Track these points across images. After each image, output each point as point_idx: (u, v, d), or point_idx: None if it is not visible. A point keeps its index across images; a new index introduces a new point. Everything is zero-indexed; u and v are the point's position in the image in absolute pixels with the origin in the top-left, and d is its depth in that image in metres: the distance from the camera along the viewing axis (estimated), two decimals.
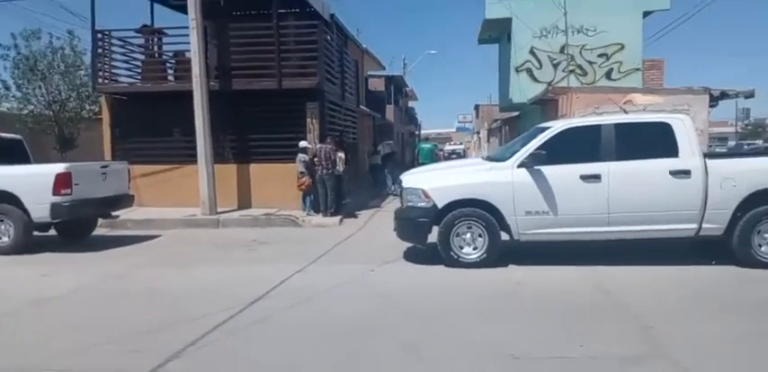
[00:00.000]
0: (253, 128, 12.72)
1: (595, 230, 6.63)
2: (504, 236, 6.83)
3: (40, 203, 8.14)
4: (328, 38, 13.78)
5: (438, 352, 4.04)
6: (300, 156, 11.53)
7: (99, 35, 13.09)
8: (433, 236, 6.99)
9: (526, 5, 18.18)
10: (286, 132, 12.42)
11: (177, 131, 13.13)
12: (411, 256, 7.45)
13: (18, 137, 10.11)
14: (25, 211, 8.22)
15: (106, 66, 13.39)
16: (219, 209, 11.49)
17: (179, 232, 10.32)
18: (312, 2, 13.97)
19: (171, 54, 14.36)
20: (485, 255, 6.74)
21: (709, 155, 6.78)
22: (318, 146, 11.65)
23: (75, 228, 9.34)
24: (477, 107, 52.25)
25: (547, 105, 15.43)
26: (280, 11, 12.68)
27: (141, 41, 14.16)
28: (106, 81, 13.36)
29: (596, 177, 6.53)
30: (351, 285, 6.15)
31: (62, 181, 8.21)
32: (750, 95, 12.57)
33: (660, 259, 6.82)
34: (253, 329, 4.68)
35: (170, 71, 14.27)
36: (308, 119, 12.42)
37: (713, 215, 6.45)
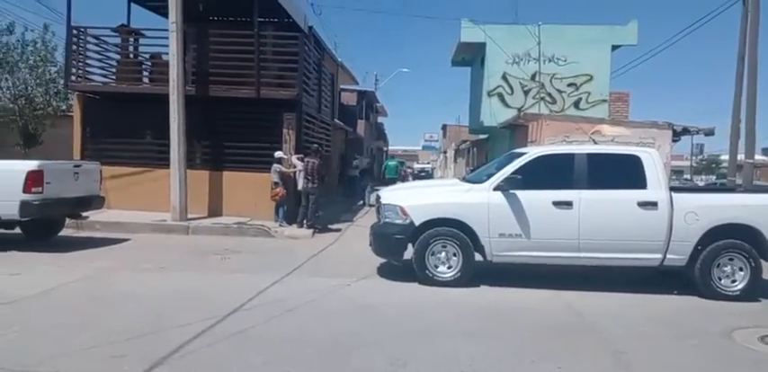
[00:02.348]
0: (228, 136, 12.68)
1: (566, 255, 6.87)
2: (477, 257, 7.00)
3: (9, 200, 7.96)
4: (307, 49, 13.90)
5: (423, 368, 4.15)
6: (275, 167, 11.54)
7: (74, 31, 12.88)
8: (408, 253, 7.11)
9: (501, 32, 18.71)
10: (261, 141, 12.44)
11: (150, 134, 13.00)
12: (385, 272, 7.56)
13: None
14: None
15: (80, 64, 13.16)
16: (190, 216, 11.36)
17: (148, 236, 10.18)
18: (292, 13, 14.12)
19: (147, 56, 14.24)
20: (458, 274, 6.90)
21: (674, 189, 7.12)
22: (299, 157, 11.77)
23: (42, 227, 9.13)
24: (444, 127, 52.88)
25: (517, 130, 15.86)
26: (258, 19, 12.75)
27: (117, 41, 13.98)
28: (79, 79, 13.12)
29: (568, 204, 6.78)
30: (329, 298, 6.20)
31: (33, 179, 8.07)
32: (710, 133, 13.23)
33: (624, 286, 7.10)
34: (236, 339, 4.68)
35: (146, 73, 14.13)
36: (285, 130, 12.46)
37: (677, 246, 6.76)
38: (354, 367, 4.17)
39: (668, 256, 6.80)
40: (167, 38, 11.53)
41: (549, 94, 18.56)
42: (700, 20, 20.46)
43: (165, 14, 11.67)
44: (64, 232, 9.77)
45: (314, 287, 6.59)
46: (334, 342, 4.67)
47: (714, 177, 38.96)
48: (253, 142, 12.44)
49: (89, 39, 13.19)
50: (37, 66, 17.78)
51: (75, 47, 13.00)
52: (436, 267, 6.95)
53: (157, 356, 4.17)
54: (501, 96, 18.89)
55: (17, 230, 9.00)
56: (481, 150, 27.06)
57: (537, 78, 18.47)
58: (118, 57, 13.93)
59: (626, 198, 6.81)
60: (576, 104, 18.40)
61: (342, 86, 25.15)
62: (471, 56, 21.26)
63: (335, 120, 19.22)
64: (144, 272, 7.26)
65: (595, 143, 12.52)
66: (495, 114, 18.42)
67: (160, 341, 4.50)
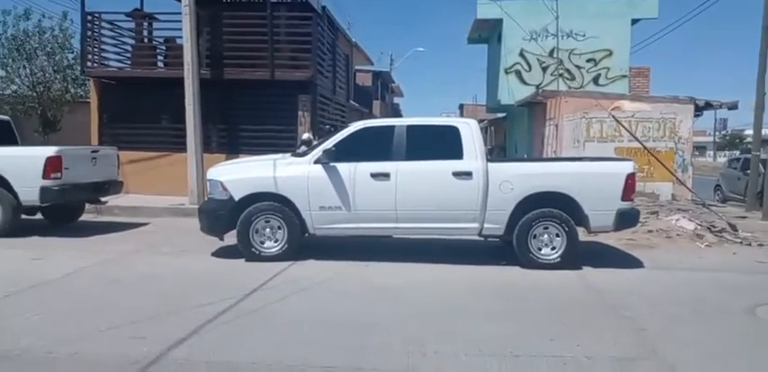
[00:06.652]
0: (243, 119, 12.71)
1: (385, 226, 6.92)
2: None
3: (29, 186, 8.05)
4: (320, 30, 13.78)
5: (440, 347, 4.14)
6: (303, 149, 11.47)
7: (89, 17, 12.93)
8: None
9: (518, 7, 18.32)
10: (276, 124, 12.46)
11: (166, 118, 13.06)
12: (401, 253, 7.54)
13: (6, 118, 9.97)
14: (14, 194, 8.12)
15: (95, 50, 13.23)
16: None
17: (167, 220, 10.26)
18: None
19: (161, 40, 14.24)
20: (285, 248, 6.86)
21: (491, 159, 7.07)
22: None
23: (62, 213, 9.25)
24: (461, 106, 52.45)
25: (535, 108, 15.63)
26: (271, 0, 12.63)
27: (131, 26, 14.01)
28: (95, 64, 13.21)
29: (386, 175, 6.73)
30: (347, 278, 6.22)
31: (52, 165, 8.13)
32: (734, 107, 12.89)
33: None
34: (255, 318, 4.70)
35: (160, 57, 14.14)
36: (300, 112, 12.44)
37: (493, 215, 6.73)
38: (374, 344, 4.16)
39: (486, 225, 6.79)
40: (180, 21, 11.49)
41: (568, 70, 18.20)
42: None
43: None
44: (84, 217, 9.89)
45: (332, 268, 6.60)
46: (351, 322, 4.67)
47: (738, 152, 37.94)
48: (268, 124, 12.46)
49: (103, 24, 13.25)
50: (54, 53, 17.91)
51: (90, 33, 13.06)
52: (262, 243, 6.89)
53: (177, 336, 4.19)
54: (518, 73, 18.59)
55: (39, 216, 9.13)
56: (499, 129, 26.81)
57: (555, 54, 18.10)
58: (132, 41, 13.97)
59: (442, 168, 6.77)
60: (596, 80, 18.03)
61: (357, 67, 24.98)
62: (488, 33, 20.91)
63: (351, 101, 19.13)
64: (163, 255, 7.32)
65: (615, 119, 12.34)
66: (512, 92, 18.16)
67: (180, 322, 4.52)
